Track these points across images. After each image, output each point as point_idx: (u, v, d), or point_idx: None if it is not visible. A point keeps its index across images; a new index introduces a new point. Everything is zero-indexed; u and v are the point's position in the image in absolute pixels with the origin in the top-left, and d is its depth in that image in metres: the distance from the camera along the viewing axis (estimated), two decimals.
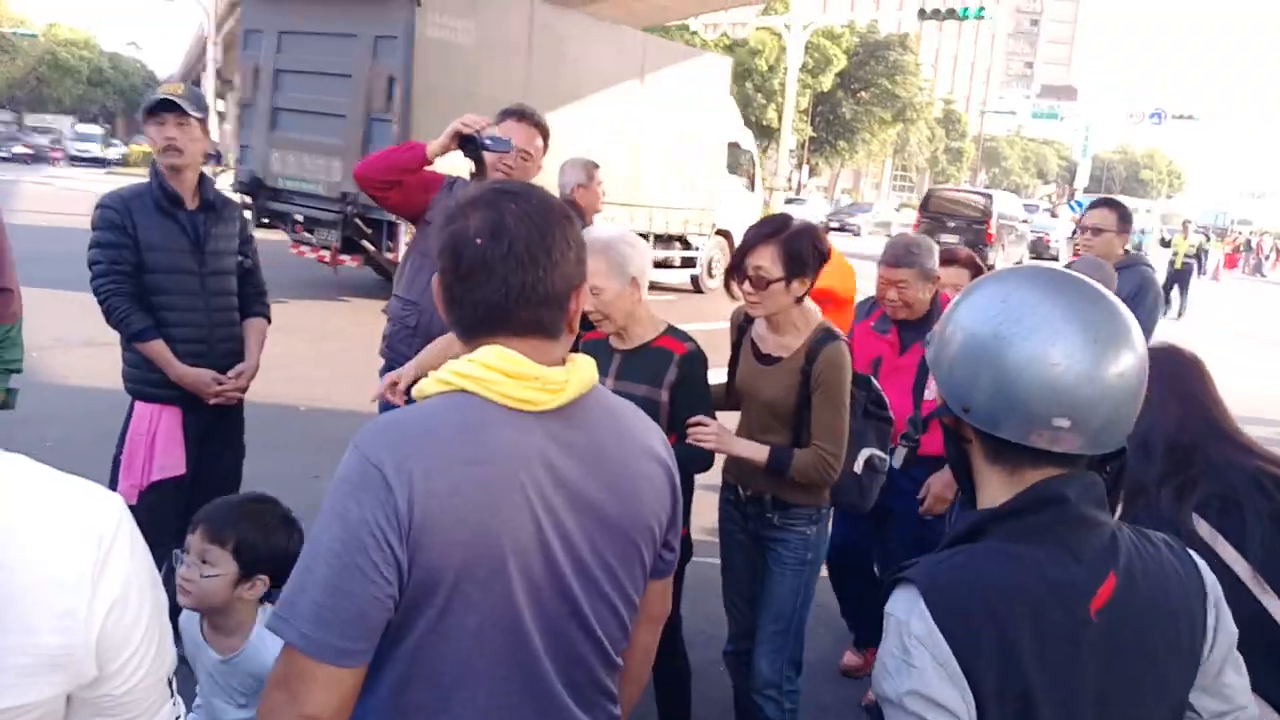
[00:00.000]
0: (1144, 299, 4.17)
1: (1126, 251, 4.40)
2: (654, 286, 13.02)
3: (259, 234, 4.59)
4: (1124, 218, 4.34)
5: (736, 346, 2.94)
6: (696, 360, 2.69)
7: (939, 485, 3.30)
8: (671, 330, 2.74)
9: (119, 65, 70.22)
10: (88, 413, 5.92)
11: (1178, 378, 2.08)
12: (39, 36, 62.39)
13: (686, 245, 14.75)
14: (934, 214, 23.24)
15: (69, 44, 65.82)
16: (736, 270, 2.71)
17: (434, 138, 3.26)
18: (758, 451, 2.72)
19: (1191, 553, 1.28)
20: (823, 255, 2.70)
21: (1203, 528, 1.90)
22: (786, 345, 2.76)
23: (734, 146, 15.82)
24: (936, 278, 3.31)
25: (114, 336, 3.18)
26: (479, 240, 1.31)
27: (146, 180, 3.19)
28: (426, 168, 3.33)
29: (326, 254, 11.12)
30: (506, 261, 1.31)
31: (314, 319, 9.86)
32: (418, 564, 1.21)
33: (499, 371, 1.29)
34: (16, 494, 0.97)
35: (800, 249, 2.63)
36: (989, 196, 24.69)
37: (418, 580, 1.22)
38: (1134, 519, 1.36)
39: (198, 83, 31.79)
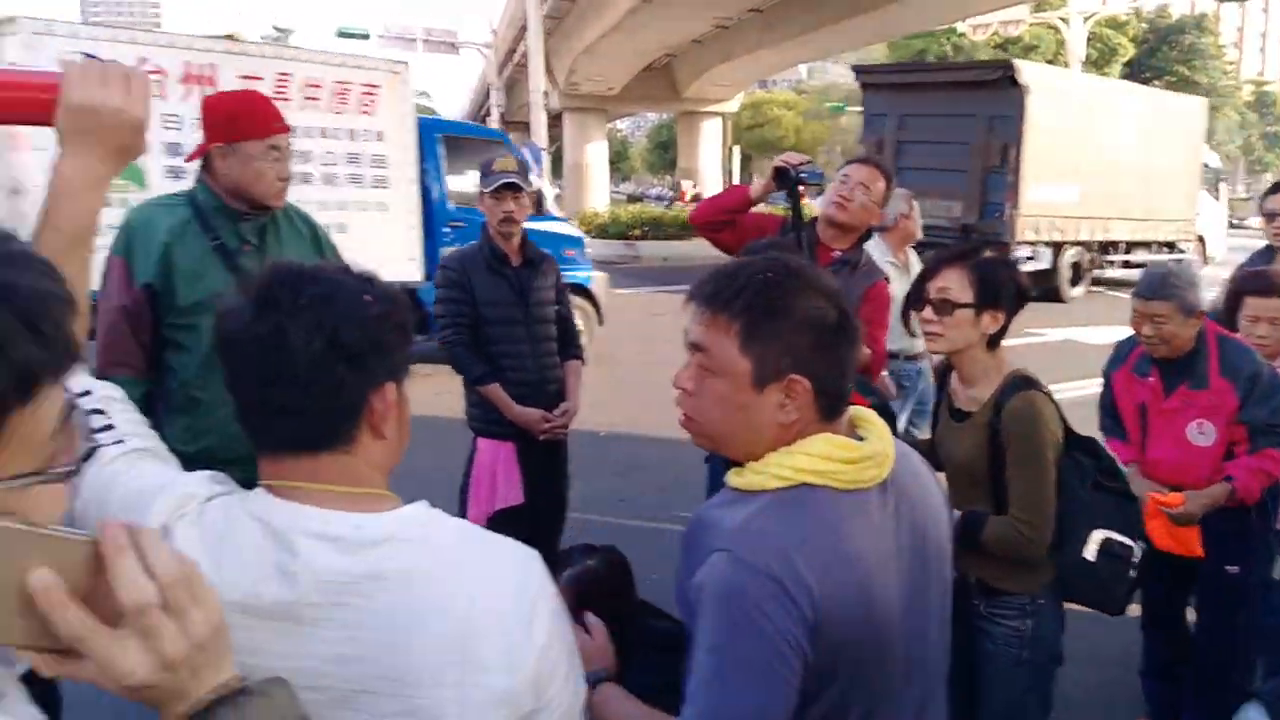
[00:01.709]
0: None
1: None
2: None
3: None
4: None
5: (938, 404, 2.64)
6: None
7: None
8: None
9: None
10: (424, 442, 6.55)
11: None
12: None
13: (1172, 249, 17.99)
14: None
15: None
16: (917, 298, 2.40)
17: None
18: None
19: None
20: (1023, 293, 2.38)
21: None
22: (976, 398, 2.38)
23: (1205, 166, 19.35)
24: (1200, 314, 2.91)
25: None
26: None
27: (478, 242, 3.61)
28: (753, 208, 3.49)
29: None
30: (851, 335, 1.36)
31: (603, 344, 10.35)
32: (813, 666, 1.26)
33: (840, 461, 1.31)
34: (467, 554, 1.14)
35: (995, 275, 2.32)
36: None
37: (810, 679, 1.27)
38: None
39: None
